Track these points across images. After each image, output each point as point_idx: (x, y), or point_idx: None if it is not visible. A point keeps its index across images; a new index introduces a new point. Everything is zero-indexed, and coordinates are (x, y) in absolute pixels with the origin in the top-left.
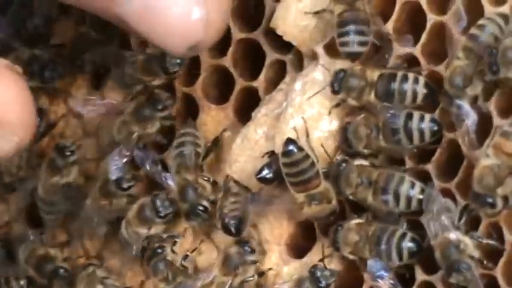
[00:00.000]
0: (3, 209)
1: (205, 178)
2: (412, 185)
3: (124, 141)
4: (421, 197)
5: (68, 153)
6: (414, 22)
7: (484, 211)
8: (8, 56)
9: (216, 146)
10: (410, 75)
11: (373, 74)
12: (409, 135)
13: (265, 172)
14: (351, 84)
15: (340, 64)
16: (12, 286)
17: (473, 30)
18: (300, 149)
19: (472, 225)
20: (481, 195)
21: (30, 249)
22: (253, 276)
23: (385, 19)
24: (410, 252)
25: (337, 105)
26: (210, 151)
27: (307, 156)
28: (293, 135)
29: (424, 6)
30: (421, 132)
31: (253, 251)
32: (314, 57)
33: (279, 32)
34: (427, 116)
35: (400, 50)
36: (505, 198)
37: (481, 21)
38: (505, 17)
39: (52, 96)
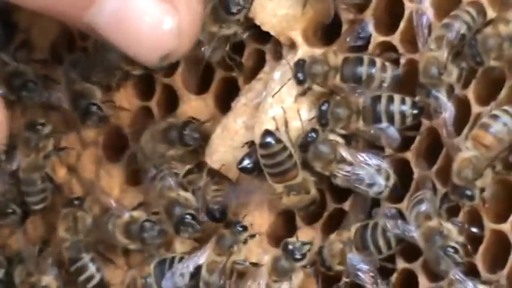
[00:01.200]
0: None
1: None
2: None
3: None
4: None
5: (40, 128)
6: (393, 11)
7: (462, 203)
8: None
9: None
10: (378, 60)
11: (337, 58)
12: (390, 118)
13: (245, 162)
14: (315, 71)
15: (319, 52)
16: None
17: (446, 20)
18: (278, 140)
19: (452, 213)
20: (460, 187)
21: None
22: (245, 261)
23: (364, 7)
24: (396, 239)
25: (304, 93)
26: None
27: (284, 148)
28: (272, 125)
29: None
30: (403, 115)
31: (245, 229)
32: (293, 46)
33: (257, 21)
34: (409, 100)
35: (379, 38)
36: (483, 190)
37: (454, 12)
38: (477, 6)
39: None
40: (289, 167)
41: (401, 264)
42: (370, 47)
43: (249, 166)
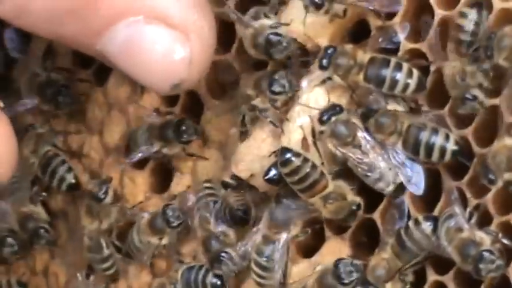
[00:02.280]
0: None
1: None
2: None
3: None
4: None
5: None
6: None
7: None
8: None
9: None
10: (405, 65)
11: (364, 56)
12: (429, 150)
13: (272, 173)
14: (340, 62)
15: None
16: None
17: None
18: (297, 154)
19: (482, 225)
20: (488, 168)
21: None
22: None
23: (393, 14)
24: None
25: (323, 82)
26: None
27: (305, 159)
28: (300, 134)
29: (432, 1)
30: (443, 151)
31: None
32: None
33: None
34: (452, 137)
35: (408, 45)
36: (509, 184)
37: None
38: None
39: None
40: (316, 178)
41: (432, 276)
42: (399, 54)
43: (275, 177)
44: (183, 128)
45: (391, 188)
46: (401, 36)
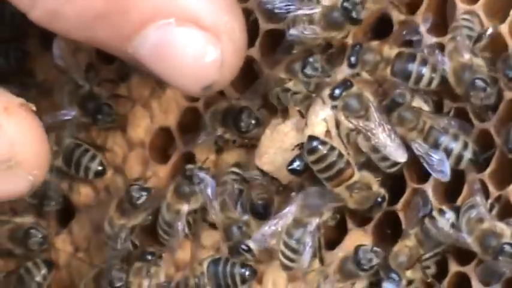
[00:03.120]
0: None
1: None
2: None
3: None
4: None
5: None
6: (445, 12)
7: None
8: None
9: None
10: (430, 59)
11: (391, 51)
12: (447, 155)
13: (296, 164)
14: (367, 58)
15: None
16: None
17: (450, 34)
18: (323, 142)
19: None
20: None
21: None
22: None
23: (415, 8)
24: None
25: (353, 76)
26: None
27: (332, 148)
28: (323, 127)
29: None
30: (459, 158)
31: None
32: (344, 48)
33: None
34: (471, 145)
35: (430, 39)
36: None
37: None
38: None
39: None
40: (342, 167)
41: (454, 267)
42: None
43: (299, 168)
44: (243, 117)
45: (395, 168)
46: (423, 28)
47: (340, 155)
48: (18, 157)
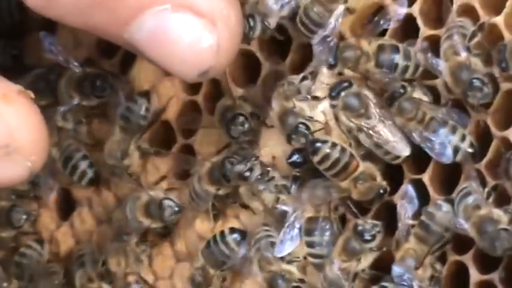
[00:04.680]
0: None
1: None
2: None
3: None
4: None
5: None
6: (442, 4)
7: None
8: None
9: None
10: (412, 51)
11: (370, 45)
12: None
13: (295, 157)
14: (347, 55)
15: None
16: None
17: (445, 34)
18: (324, 141)
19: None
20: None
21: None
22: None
23: (412, 1)
24: None
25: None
26: None
27: (334, 144)
28: (322, 118)
29: None
30: (456, 150)
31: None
32: (342, 39)
33: None
34: (468, 138)
35: (427, 31)
36: None
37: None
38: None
39: None
40: (348, 161)
41: (452, 256)
42: (418, 40)
43: (298, 160)
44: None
45: (399, 160)
46: (420, 21)
47: (343, 150)
48: (16, 143)
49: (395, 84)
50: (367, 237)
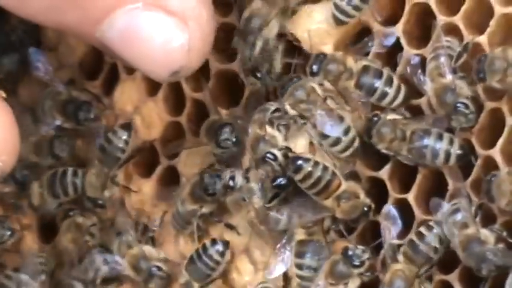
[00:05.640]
0: None
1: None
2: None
3: None
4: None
5: None
6: (425, 24)
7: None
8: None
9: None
10: (395, 80)
11: (356, 63)
12: (435, 154)
13: (279, 179)
14: (330, 68)
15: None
16: None
17: (431, 54)
18: (306, 160)
19: (487, 223)
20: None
21: None
22: None
23: (395, 21)
24: None
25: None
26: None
27: (316, 163)
28: (305, 139)
29: (434, 7)
30: (447, 155)
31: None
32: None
33: (290, 37)
34: (457, 141)
35: (410, 51)
36: None
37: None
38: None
39: None
40: (330, 179)
41: (437, 276)
42: (401, 60)
43: (283, 183)
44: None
45: (348, 152)
46: (403, 40)
47: (325, 168)
48: None
49: (366, 109)
50: (356, 262)
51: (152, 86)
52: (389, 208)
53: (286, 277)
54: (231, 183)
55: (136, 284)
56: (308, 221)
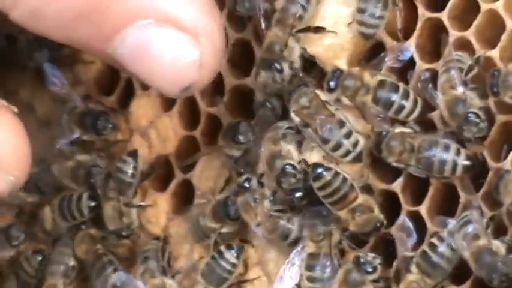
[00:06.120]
0: None
1: None
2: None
3: None
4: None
5: None
6: (437, 39)
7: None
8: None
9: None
10: (411, 93)
11: (372, 78)
12: (443, 165)
13: (296, 192)
14: (347, 84)
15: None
16: None
17: (443, 68)
18: (328, 169)
19: (498, 234)
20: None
21: None
22: None
23: (408, 35)
24: None
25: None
26: None
27: (336, 173)
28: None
29: (446, 22)
30: (455, 165)
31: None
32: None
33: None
34: (463, 151)
35: (423, 65)
36: None
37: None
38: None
39: None
40: (347, 190)
41: (450, 287)
42: (415, 74)
43: (298, 196)
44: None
45: (350, 157)
46: (416, 55)
47: (344, 179)
48: None
49: (384, 125)
50: (369, 268)
51: (167, 102)
52: (404, 219)
53: None
54: (246, 184)
55: None
56: (318, 233)
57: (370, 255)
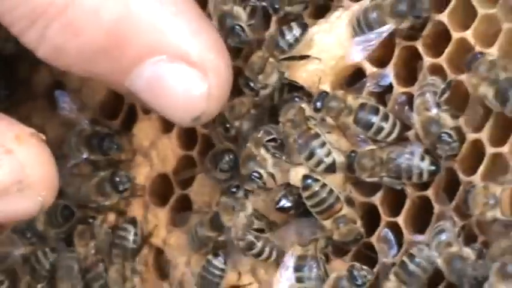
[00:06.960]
0: None
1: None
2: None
3: None
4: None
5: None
6: (412, 65)
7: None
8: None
9: None
10: (390, 116)
11: (355, 101)
12: (409, 172)
13: (283, 202)
14: (331, 105)
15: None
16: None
17: (418, 92)
18: (316, 180)
19: (469, 242)
20: None
21: None
22: None
23: (386, 62)
24: None
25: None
26: None
27: (324, 185)
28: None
29: (421, 50)
30: (420, 172)
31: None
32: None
33: (291, 77)
34: (428, 157)
35: (399, 89)
36: None
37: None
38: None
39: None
40: (333, 202)
41: None
42: (392, 98)
43: (286, 206)
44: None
45: (322, 166)
46: (394, 80)
47: (331, 192)
48: (28, 179)
49: (364, 144)
50: (359, 282)
51: (167, 124)
52: (386, 232)
53: None
54: (233, 189)
55: None
56: (305, 240)
57: (365, 269)
